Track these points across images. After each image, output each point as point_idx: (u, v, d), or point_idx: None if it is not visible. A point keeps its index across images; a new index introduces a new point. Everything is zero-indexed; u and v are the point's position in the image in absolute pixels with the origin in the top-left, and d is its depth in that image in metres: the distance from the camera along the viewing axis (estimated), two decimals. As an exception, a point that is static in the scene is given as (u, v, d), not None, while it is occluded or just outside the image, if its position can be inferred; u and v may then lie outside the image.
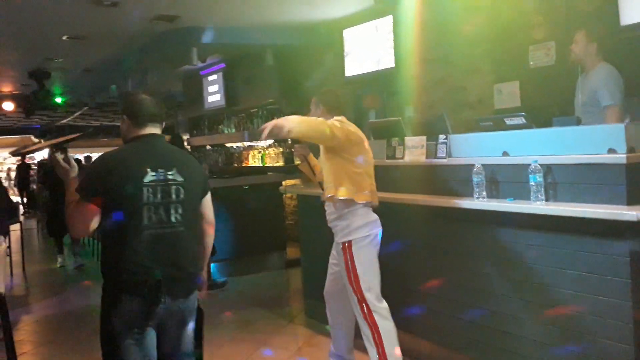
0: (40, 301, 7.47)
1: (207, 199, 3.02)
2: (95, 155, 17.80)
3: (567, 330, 3.35)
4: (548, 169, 3.44)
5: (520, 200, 3.57)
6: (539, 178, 3.41)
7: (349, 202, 3.89)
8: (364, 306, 3.85)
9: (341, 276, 4.00)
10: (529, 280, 3.57)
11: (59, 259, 9.45)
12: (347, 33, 8.08)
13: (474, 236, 3.93)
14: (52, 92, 12.89)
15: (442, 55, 6.78)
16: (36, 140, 26.27)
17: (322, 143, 3.99)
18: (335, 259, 4.14)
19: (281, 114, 9.73)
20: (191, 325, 2.89)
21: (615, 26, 4.91)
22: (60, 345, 5.53)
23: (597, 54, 4.64)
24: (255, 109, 10.69)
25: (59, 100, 13.61)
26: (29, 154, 19.81)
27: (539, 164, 3.41)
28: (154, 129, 2.87)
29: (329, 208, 4.06)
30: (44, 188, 10.19)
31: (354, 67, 8.05)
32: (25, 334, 5.93)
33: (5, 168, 29.10)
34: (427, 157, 4.31)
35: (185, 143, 10.63)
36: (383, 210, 4.04)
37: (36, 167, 18.57)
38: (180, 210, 2.76)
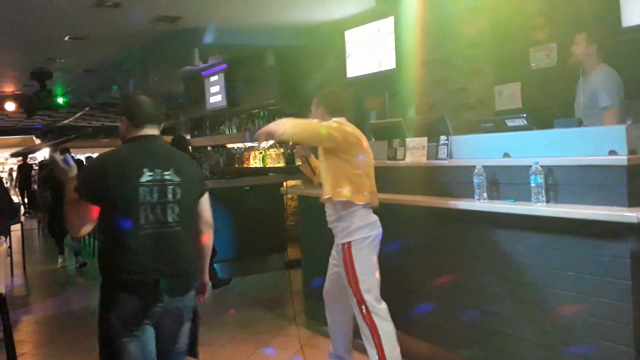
0: (40, 302, 7.47)
1: (205, 200, 3.03)
2: (96, 156, 17.84)
3: (568, 331, 3.35)
4: (549, 171, 3.43)
5: (521, 202, 3.56)
6: (540, 179, 3.40)
7: (348, 204, 3.88)
8: (363, 307, 3.85)
9: (341, 277, 4.00)
10: (530, 282, 3.56)
11: (60, 260, 9.45)
12: (348, 34, 8.09)
13: (475, 237, 3.92)
14: (53, 93, 12.90)
15: (443, 56, 6.78)
16: (37, 140, 26.31)
17: (318, 144, 3.99)
18: (335, 259, 4.13)
19: (282, 114, 9.73)
20: (187, 325, 2.91)
21: (616, 28, 4.91)
22: (61, 346, 5.53)
23: (597, 55, 4.64)
24: (257, 110, 10.69)
25: (60, 100, 13.63)
26: (29, 154, 19.81)
27: (540, 166, 3.41)
28: (152, 130, 2.88)
29: (328, 209, 4.05)
30: (46, 188, 10.18)
31: (355, 68, 8.05)
32: (25, 335, 5.93)
33: (7, 168, 29.12)
34: (428, 159, 4.31)
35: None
36: (384, 211, 4.03)
37: (37, 168, 18.57)
38: (177, 210, 2.78)
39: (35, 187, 17.42)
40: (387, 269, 4.08)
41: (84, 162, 11.27)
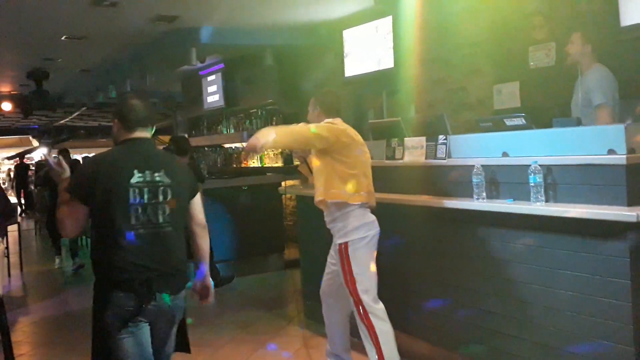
0: (38, 302, 7.46)
1: (196, 201, 3.07)
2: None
3: (567, 331, 3.34)
4: (548, 170, 3.43)
5: (520, 201, 3.56)
6: (539, 179, 3.40)
7: (343, 205, 3.88)
8: (361, 308, 3.85)
9: (338, 276, 4.00)
10: (529, 281, 3.56)
11: (57, 260, 9.44)
12: (347, 33, 8.08)
13: (474, 237, 3.91)
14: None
15: (442, 55, 6.78)
16: (34, 140, 26.27)
17: (308, 147, 4.00)
18: (333, 258, 4.13)
19: (280, 114, 9.74)
20: (176, 326, 2.97)
21: (615, 27, 4.91)
22: (59, 347, 5.51)
23: (593, 55, 4.65)
24: (255, 110, 10.68)
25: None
26: (26, 154, 19.82)
27: (539, 165, 3.41)
28: (144, 133, 2.93)
29: (325, 210, 4.05)
30: (44, 188, 10.17)
31: (353, 67, 8.04)
32: (23, 335, 5.91)
33: (5, 169, 29.06)
34: (426, 158, 4.30)
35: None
36: (382, 211, 4.03)
37: (34, 168, 18.54)
38: (167, 211, 2.82)
39: (32, 187, 17.41)
40: (386, 268, 4.07)
41: (80, 162, 11.23)
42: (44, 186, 10.63)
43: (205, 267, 3.15)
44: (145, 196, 2.77)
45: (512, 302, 3.67)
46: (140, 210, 2.75)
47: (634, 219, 2.92)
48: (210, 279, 3.19)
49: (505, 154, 3.80)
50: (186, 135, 12.55)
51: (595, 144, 3.29)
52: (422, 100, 7.01)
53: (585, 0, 5.35)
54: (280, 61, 9.29)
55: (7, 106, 14.31)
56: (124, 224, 2.72)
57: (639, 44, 4.88)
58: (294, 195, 7.02)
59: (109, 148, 3.02)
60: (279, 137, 3.79)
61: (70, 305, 7.03)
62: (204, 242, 3.12)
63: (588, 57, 4.66)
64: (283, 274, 7.89)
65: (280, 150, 10.20)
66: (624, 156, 3.10)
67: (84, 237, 10.18)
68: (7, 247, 8.26)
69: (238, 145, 11.93)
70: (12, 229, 9.49)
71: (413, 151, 4.45)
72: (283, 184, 7.59)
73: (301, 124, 3.91)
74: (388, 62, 7.41)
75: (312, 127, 3.85)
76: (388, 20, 7.36)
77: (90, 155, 16.65)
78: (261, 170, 10.29)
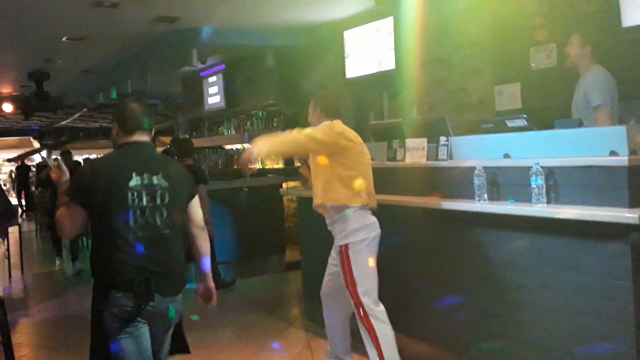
0: (39, 304, 7.45)
1: (195, 203, 3.10)
2: (94, 157, 17.81)
3: (569, 333, 3.33)
4: (549, 172, 3.42)
5: (521, 203, 3.55)
6: (541, 180, 3.39)
7: (342, 207, 3.88)
8: (361, 310, 3.85)
9: (339, 277, 4.00)
10: (531, 283, 3.55)
11: (57, 262, 9.42)
12: (347, 34, 8.07)
13: (475, 239, 3.91)
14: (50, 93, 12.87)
15: (443, 56, 6.77)
16: (35, 141, 26.27)
17: (304, 152, 4.01)
18: (334, 260, 4.12)
19: (281, 115, 9.74)
20: (172, 330, 3.00)
21: (616, 28, 4.90)
22: (59, 348, 5.51)
23: (592, 56, 4.64)
24: (256, 110, 10.67)
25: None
26: (27, 156, 19.83)
27: (541, 166, 3.40)
28: (142, 137, 2.97)
29: (324, 213, 4.06)
30: (46, 190, 10.17)
31: (354, 68, 8.04)
32: (23, 337, 5.91)
33: (7, 170, 29.08)
34: (428, 159, 4.30)
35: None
36: (383, 212, 4.02)
37: (35, 169, 18.54)
38: (165, 214, 2.86)
39: (33, 188, 17.41)
40: (388, 270, 4.06)
41: (82, 164, 11.24)
42: (45, 187, 10.62)
43: (207, 268, 3.16)
44: (144, 199, 2.80)
45: (514, 304, 3.66)
46: (138, 213, 2.78)
47: (635, 221, 2.91)
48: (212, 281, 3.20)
49: (506, 156, 3.79)
50: (187, 137, 12.57)
51: (597, 145, 3.28)
52: (423, 102, 7.01)
53: (586, 1, 5.34)
54: (281, 62, 9.28)
55: (8, 107, 14.32)
56: (122, 226, 2.75)
57: (640, 45, 4.88)
58: (294, 196, 7.01)
59: (110, 149, 3.06)
60: (274, 145, 3.81)
61: (71, 307, 7.02)
62: (203, 244, 3.13)
63: (587, 58, 4.65)
64: (284, 276, 7.88)
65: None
66: (626, 158, 3.09)
67: (84, 239, 10.18)
68: (7, 249, 8.27)
69: (239, 146, 11.92)
70: (13, 231, 9.49)
71: (414, 152, 4.44)
72: (284, 185, 7.59)
73: (295, 130, 3.91)
74: (389, 64, 7.40)
75: (308, 132, 3.86)
76: (389, 21, 7.36)
77: (92, 156, 16.62)
78: (262, 172, 10.28)
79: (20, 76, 11.78)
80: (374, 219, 3.96)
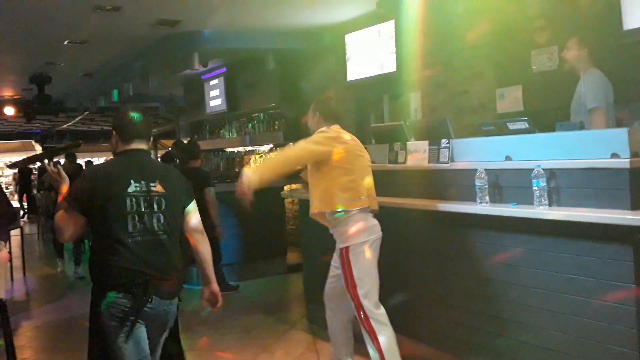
0: (41, 307, 7.45)
1: (192, 208, 3.15)
2: (96, 160, 17.83)
3: (571, 335, 3.33)
4: (551, 174, 3.42)
5: (523, 205, 3.55)
6: (542, 183, 3.39)
7: (343, 212, 3.88)
8: (362, 312, 3.85)
9: (341, 279, 4.00)
10: (533, 285, 3.54)
11: (59, 264, 9.42)
12: (349, 37, 8.08)
13: (477, 241, 3.91)
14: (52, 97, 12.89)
15: (445, 59, 6.78)
16: (37, 145, 26.28)
17: (303, 164, 4.03)
18: (336, 262, 4.13)
19: (282, 118, 9.75)
20: (166, 333, 3.05)
21: (618, 30, 4.91)
22: (61, 351, 5.51)
23: (589, 59, 4.65)
24: (257, 114, 10.69)
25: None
26: (26, 164, 19.82)
27: (542, 169, 3.40)
28: (140, 144, 3.04)
29: (322, 220, 4.07)
30: (49, 192, 10.18)
31: (356, 71, 8.04)
32: (26, 340, 5.91)
33: (7, 172, 29.08)
34: (429, 162, 4.30)
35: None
36: (385, 215, 4.02)
37: (37, 172, 18.56)
38: (162, 220, 2.93)
39: (35, 191, 17.43)
40: (390, 272, 4.06)
41: (83, 167, 11.24)
42: (49, 190, 10.63)
43: (210, 272, 3.20)
44: (142, 205, 2.88)
45: (516, 307, 3.65)
46: (137, 219, 2.86)
47: (637, 223, 2.92)
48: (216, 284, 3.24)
49: (508, 158, 3.79)
50: (194, 140, 12.60)
51: (598, 147, 3.28)
52: (425, 104, 7.01)
53: (587, 4, 5.34)
54: (282, 65, 9.29)
55: (9, 111, 14.35)
56: (121, 231, 2.82)
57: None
58: (296, 199, 7.01)
59: (110, 152, 3.13)
60: (265, 171, 3.88)
61: (73, 309, 7.01)
62: (203, 248, 3.18)
63: (584, 61, 4.66)
64: (285, 278, 7.88)
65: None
66: (628, 160, 3.09)
67: (87, 242, 10.18)
68: (9, 251, 8.27)
69: (240, 149, 11.94)
70: (15, 233, 9.50)
71: (416, 155, 4.44)
72: (285, 188, 7.59)
73: (285, 149, 3.94)
74: (390, 66, 7.41)
75: (300, 146, 3.91)
76: (390, 24, 7.36)
77: (93, 159, 16.61)
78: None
79: (21, 79, 11.80)
80: (374, 222, 3.96)
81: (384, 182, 4.38)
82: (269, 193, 7.65)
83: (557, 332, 3.41)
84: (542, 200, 3.40)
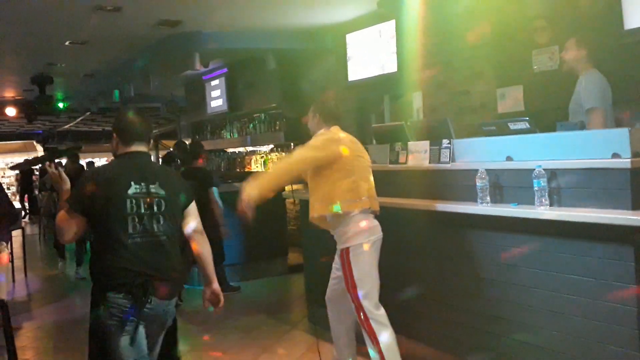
0: (42, 307, 7.46)
1: (191, 210, 3.19)
2: (97, 160, 17.83)
3: (572, 336, 3.33)
4: (552, 174, 3.42)
5: (524, 205, 3.55)
6: (543, 183, 3.39)
7: (343, 215, 3.88)
8: (361, 313, 3.85)
9: (342, 281, 4.00)
10: (534, 286, 3.54)
11: (60, 264, 9.42)
12: (350, 37, 8.08)
13: (478, 241, 3.90)
14: (54, 98, 12.90)
15: (445, 59, 6.77)
16: (38, 145, 26.29)
17: (302, 170, 4.02)
18: (337, 263, 4.13)
19: (283, 118, 9.75)
20: (163, 333, 3.08)
21: (618, 30, 4.90)
22: (63, 352, 5.52)
23: (588, 60, 4.64)
24: (258, 114, 10.69)
25: (60, 105, 13.63)
26: (27, 166, 19.83)
27: (543, 169, 3.40)
28: (140, 147, 3.09)
29: (322, 223, 4.07)
30: (52, 193, 10.17)
31: (356, 71, 8.04)
32: (27, 340, 5.91)
33: (13, 173, 29.07)
34: (430, 162, 4.30)
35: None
36: (385, 215, 4.02)
37: (38, 173, 18.56)
38: (162, 221, 2.97)
39: (37, 191, 17.43)
40: (391, 273, 4.06)
41: (85, 167, 11.24)
42: (51, 191, 10.63)
43: (211, 272, 3.23)
44: (142, 207, 2.92)
45: (517, 307, 3.65)
46: (136, 220, 2.90)
47: (638, 223, 2.92)
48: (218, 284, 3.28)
49: (509, 158, 3.79)
50: (188, 140, 12.61)
51: (599, 148, 3.28)
52: (425, 104, 7.01)
53: (588, 3, 5.33)
54: (283, 65, 9.29)
55: (11, 111, 14.36)
56: (122, 232, 2.86)
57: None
58: (297, 199, 7.01)
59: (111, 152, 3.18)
60: (264, 185, 3.86)
61: (75, 310, 7.02)
62: (203, 248, 3.21)
63: (583, 62, 4.66)
64: (286, 279, 7.88)
65: (284, 154, 10.20)
66: (629, 160, 3.09)
67: (89, 243, 10.17)
68: (11, 252, 8.27)
69: (241, 149, 11.94)
70: (17, 234, 9.51)
71: (417, 155, 4.44)
72: (286, 188, 7.58)
73: (283, 159, 3.94)
74: (391, 66, 7.41)
75: (297, 154, 3.94)
76: (391, 24, 7.36)
77: (94, 160, 16.62)
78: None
79: (23, 80, 11.81)
80: (375, 223, 3.96)
81: (385, 182, 4.38)
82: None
83: (558, 332, 3.41)
84: (543, 200, 3.40)
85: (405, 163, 4.53)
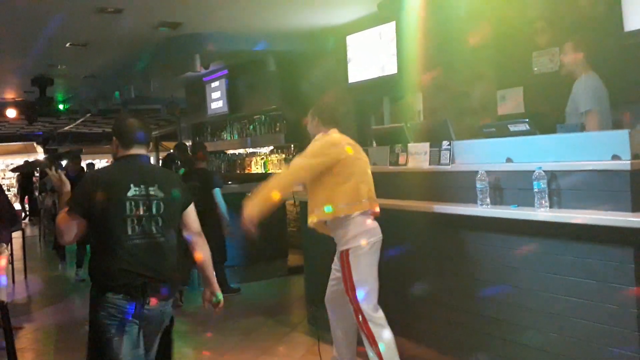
0: (42, 309, 7.45)
1: (190, 212, 3.22)
2: (97, 162, 17.84)
3: (572, 337, 3.32)
4: (552, 176, 3.42)
5: (524, 207, 3.55)
6: (543, 185, 3.39)
7: (343, 218, 3.88)
8: (360, 316, 3.86)
9: (342, 282, 3.99)
10: (533, 288, 3.54)
11: (60, 266, 9.41)
12: (350, 39, 8.08)
13: (478, 243, 3.90)
14: (54, 99, 12.91)
15: (446, 61, 6.77)
16: (39, 147, 26.30)
17: (305, 177, 4.02)
18: (337, 265, 4.13)
19: (283, 119, 9.75)
20: (162, 331, 3.10)
21: (619, 32, 4.90)
22: (63, 354, 5.51)
23: (585, 63, 4.66)
24: (258, 115, 10.69)
25: (61, 106, 13.64)
26: (28, 168, 19.86)
27: (543, 171, 3.39)
28: (140, 150, 3.12)
29: (321, 228, 4.07)
30: (53, 194, 10.17)
31: (357, 73, 8.04)
32: (27, 342, 5.91)
33: (14, 175, 29.08)
34: (430, 164, 4.30)
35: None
36: (385, 217, 4.02)
37: (38, 174, 18.56)
38: (160, 223, 2.99)
39: (37, 193, 17.43)
40: (390, 274, 4.06)
41: (85, 169, 11.25)
42: (53, 191, 10.63)
43: (210, 273, 3.26)
44: (141, 209, 2.95)
45: (517, 308, 3.65)
46: (135, 222, 2.93)
47: (638, 225, 2.91)
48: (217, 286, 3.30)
49: (509, 160, 3.79)
50: (189, 142, 12.62)
51: (599, 149, 3.28)
52: (425, 106, 7.01)
53: (588, 5, 5.34)
54: (283, 67, 9.30)
55: (11, 113, 14.36)
56: (121, 234, 2.89)
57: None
58: (297, 201, 7.01)
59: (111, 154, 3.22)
60: (266, 201, 3.88)
61: (75, 312, 7.02)
62: (202, 250, 3.25)
63: (581, 65, 4.67)
64: (286, 281, 7.88)
65: (284, 156, 10.21)
66: (629, 162, 3.09)
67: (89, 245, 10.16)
68: (11, 254, 8.27)
69: (242, 151, 11.94)
70: (17, 235, 9.50)
71: (417, 157, 4.44)
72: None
73: (282, 169, 3.95)
74: (392, 68, 7.41)
75: (296, 164, 3.97)
76: (391, 26, 7.36)
77: (95, 161, 16.60)
78: (265, 176, 10.26)
79: (23, 82, 11.81)
80: (374, 225, 3.95)
81: (385, 184, 4.38)
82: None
83: (558, 334, 3.40)
84: (543, 202, 3.40)
85: (405, 165, 4.53)
